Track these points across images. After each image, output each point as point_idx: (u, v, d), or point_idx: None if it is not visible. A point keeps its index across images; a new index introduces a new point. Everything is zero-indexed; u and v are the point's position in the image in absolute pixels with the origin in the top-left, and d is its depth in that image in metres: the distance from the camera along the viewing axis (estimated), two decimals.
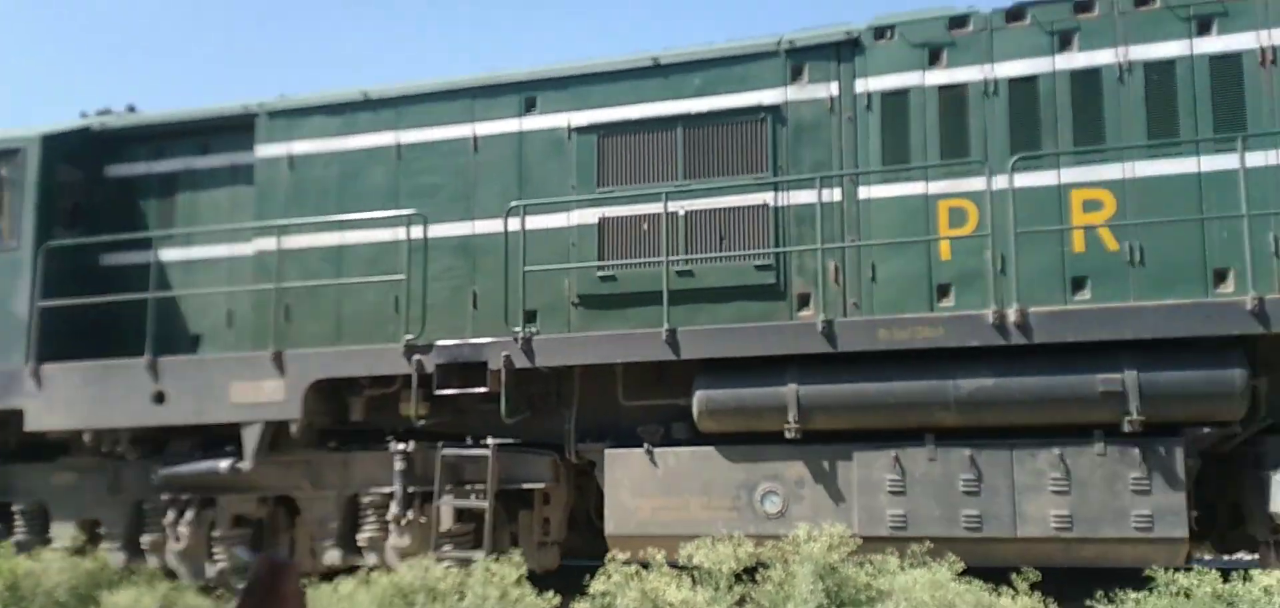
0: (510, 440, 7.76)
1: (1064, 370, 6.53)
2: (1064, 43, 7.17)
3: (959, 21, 7.41)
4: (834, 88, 7.63)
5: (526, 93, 8.24)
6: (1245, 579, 5.79)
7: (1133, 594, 5.90)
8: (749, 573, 6.37)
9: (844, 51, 7.65)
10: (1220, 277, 6.67)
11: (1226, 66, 6.85)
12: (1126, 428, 6.36)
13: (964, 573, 5.95)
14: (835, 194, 7.49)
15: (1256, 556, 6.97)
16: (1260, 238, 6.52)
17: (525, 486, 7.70)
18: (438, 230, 8.15)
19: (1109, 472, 6.49)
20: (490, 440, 7.56)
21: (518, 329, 7.49)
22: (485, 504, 7.50)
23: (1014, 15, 7.30)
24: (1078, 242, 6.95)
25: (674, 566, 6.42)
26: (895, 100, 7.48)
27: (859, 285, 7.41)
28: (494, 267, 7.92)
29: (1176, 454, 6.40)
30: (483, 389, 7.45)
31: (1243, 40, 6.85)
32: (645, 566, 6.44)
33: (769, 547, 6.39)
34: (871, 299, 7.37)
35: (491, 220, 8.02)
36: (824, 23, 7.84)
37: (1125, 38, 7.04)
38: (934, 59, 7.44)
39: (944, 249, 7.24)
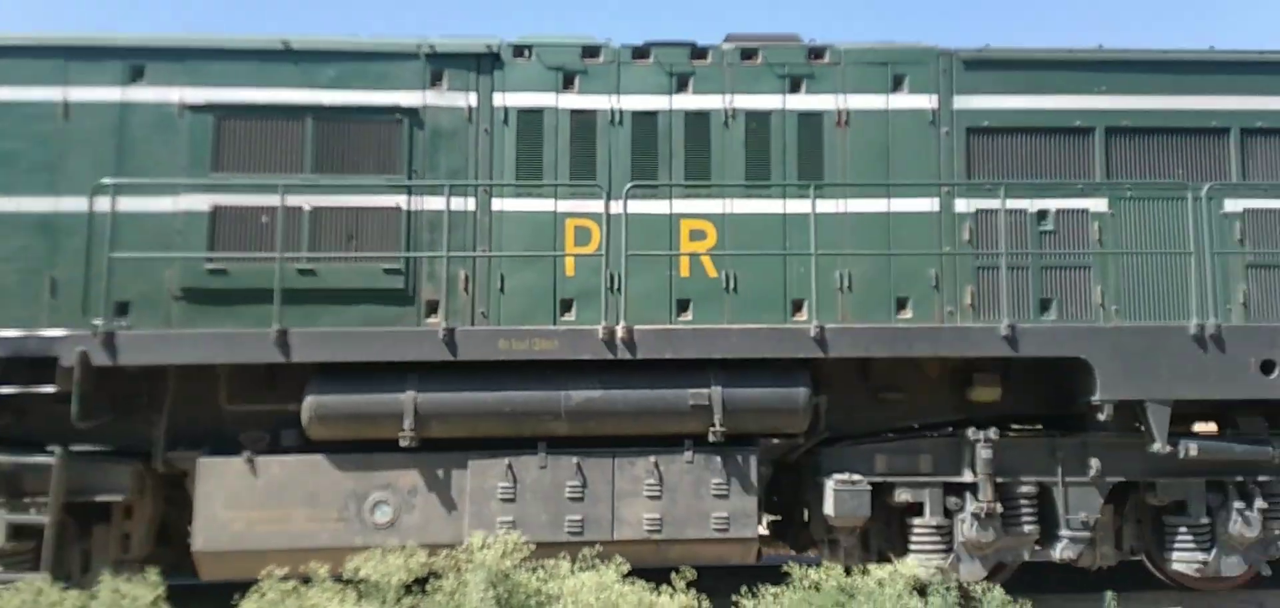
0: (88, 447, 6.90)
1: (663, 384, 7.05)
2: (681, 85, 7.80)
3: (592, 51, 7.79)
4: (473, 98, 7.68)
5: (133, 60, 7.40)
6: (864, 573, 6.58)
7: (771, 589, 6.47)
8: (419, 584, 6.20)
9: (484, 64, 7.73)
10: (797, 306, 7.56)
11: (810, 123, 7.83)
12: (711, 438, 7.00)
13: (628, 575, 6.20)
14: (470, 203, 7.54)
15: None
16: (827, 275, 7.50)
17: (99, 498, 6.85)
18: (10, 204, 7.06)
19: (695, 478, 7.10)
20: (56, 447, 6.64)
21: (98, 322, 6.66)
22: (45, 519, 6.55)
23: (640, 53, 7.82)
24: (684, 267, 7.55)
25: (338, 579, 6.09)
26: (531, 118, 7.68)
27: (488, 295, 7.48)
28: (80, 250, 7.01)
29: (751, 462, 7.15)
30: (51, 388, 6.53)
31: (824, 102, 7.87)
32: (307, 579, 6.04)
33: (443, 556, 6.30)
34: (500, 310, 7.47)
35: (80, 198, 7.07)
36: (467, 33, 7.88)
37: (732, 87, 7.81)
38: (568, 83, 7.75)
39: (569, 265, 7.53)
